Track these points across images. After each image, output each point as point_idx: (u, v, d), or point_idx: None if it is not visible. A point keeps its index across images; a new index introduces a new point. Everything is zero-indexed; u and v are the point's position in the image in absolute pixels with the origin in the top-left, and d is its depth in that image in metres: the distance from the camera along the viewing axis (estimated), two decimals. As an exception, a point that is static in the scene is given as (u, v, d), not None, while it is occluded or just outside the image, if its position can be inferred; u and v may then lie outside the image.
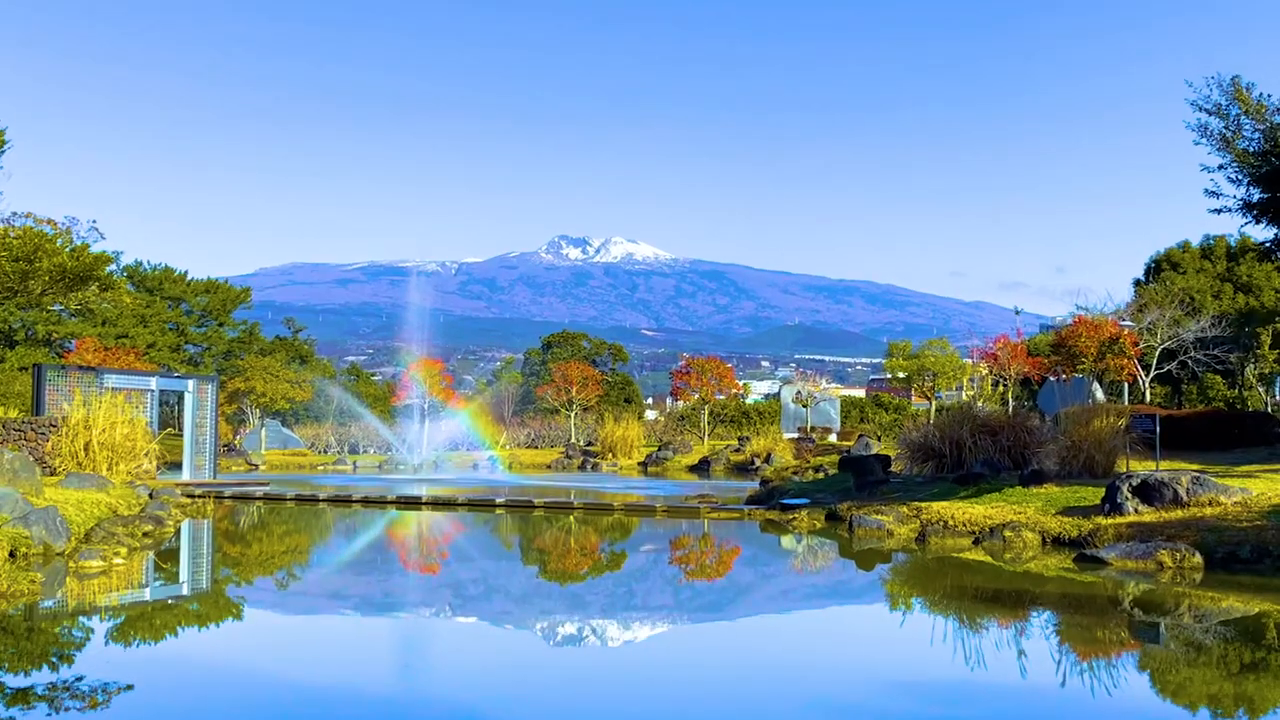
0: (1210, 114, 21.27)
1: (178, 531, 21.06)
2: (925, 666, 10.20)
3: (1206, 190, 21.94)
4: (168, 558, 17.45)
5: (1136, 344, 47.58)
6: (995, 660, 10.17)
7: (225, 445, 56.89)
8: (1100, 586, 14.50)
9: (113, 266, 51.62)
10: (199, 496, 28.32)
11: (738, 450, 51.14)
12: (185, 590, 14.19)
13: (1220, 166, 21.69)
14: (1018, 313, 63.29)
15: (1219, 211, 22.02)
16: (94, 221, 32.55)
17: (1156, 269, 67.47)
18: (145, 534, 19.32)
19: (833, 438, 56.50)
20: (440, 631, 12.02)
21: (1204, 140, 21.41)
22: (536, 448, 63.36)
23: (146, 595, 13.56)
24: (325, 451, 64.70)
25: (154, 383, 33.90)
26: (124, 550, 16.52)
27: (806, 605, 14.24)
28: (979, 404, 38.58)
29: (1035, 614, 12.98)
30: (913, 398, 75.34)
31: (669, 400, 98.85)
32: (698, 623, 12.82)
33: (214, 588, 14.70)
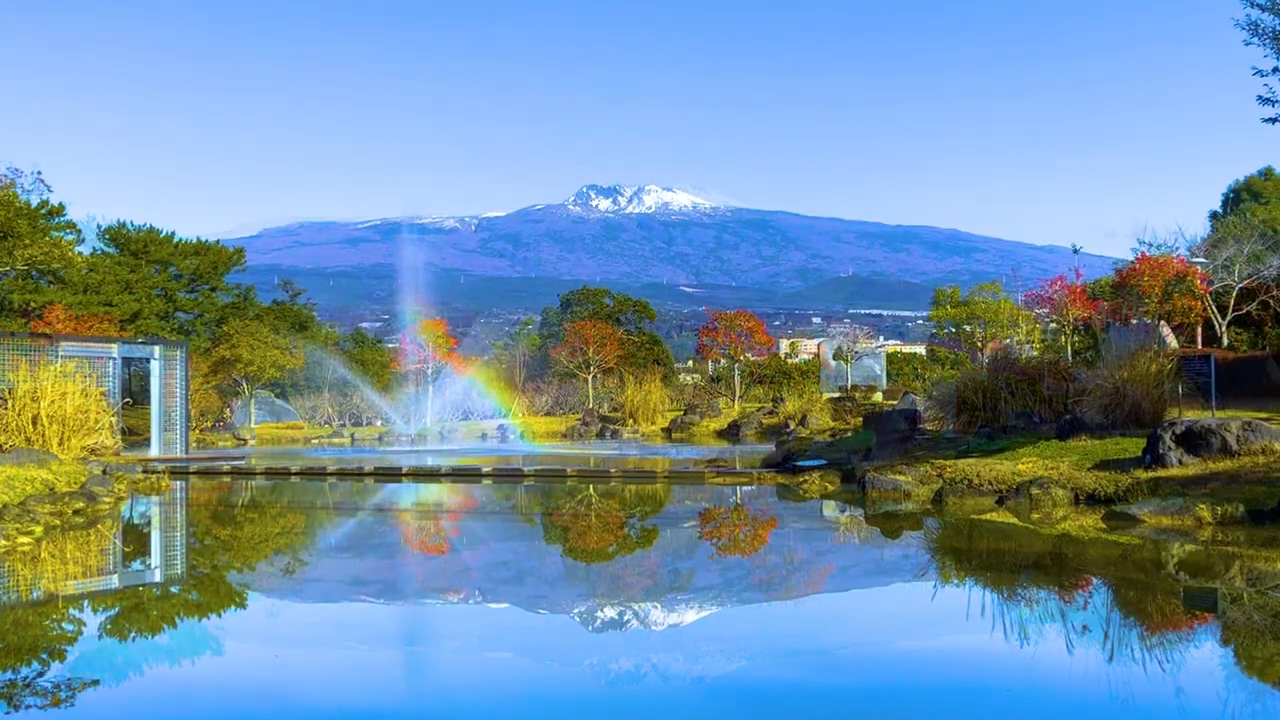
0: (1263, 9, 20.52)
1: (116, 510, 20.67)
2: (870, 641, 9.76)
3: (1260, 98, 21.16)
4: (88, 539, 17.03)
5: (1209, 283, 46.63)
6: (972, 632, 9.69)
7: (216, 419, 56.80)
8: (1122, 547, 13.98)
9: (63, 218, 51.40)
10: (158, 472, 27.97)
11: (771, 413, 50.60)
12: (93, 579, 13.74)
13: (1275, 69, 20.91)
14: (1076, 251, 62.31)
15: (1274, 120, 21.21)
16: (39, 172, 32.43)
17: (1235, 199, 66.21)
18: (76, 511, 19.00)
19: (878, 396, 55.82)
20: (380, 615, 11.61)
21: (1255, 40, 20.67)
22: (554, 414, 62.92)
23: (41, 583, 13.11)
24: (325, 424, 64.44)
25: (116, 350, 33.54)
26: (39, 529, 16.19)
27: (790, 580, 13.73)
28: (1024, 351, 37.87)
29: (1039, 579, 12.45)
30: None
31: (709, 363, 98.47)
32: (653, 599, 12.32)
33: (130, 575, 14.22)
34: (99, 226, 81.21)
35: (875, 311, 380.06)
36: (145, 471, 27.26)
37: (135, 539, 17.81)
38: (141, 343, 37.53)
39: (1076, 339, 53.87)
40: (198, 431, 48.04)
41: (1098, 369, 24.48)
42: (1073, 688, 8.02)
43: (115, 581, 13.32)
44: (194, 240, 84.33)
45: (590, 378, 62.75)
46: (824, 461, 24.19)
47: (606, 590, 12.57)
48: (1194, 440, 17.88)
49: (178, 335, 74.70)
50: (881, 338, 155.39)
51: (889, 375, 65.06)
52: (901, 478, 20.06)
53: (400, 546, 16.72)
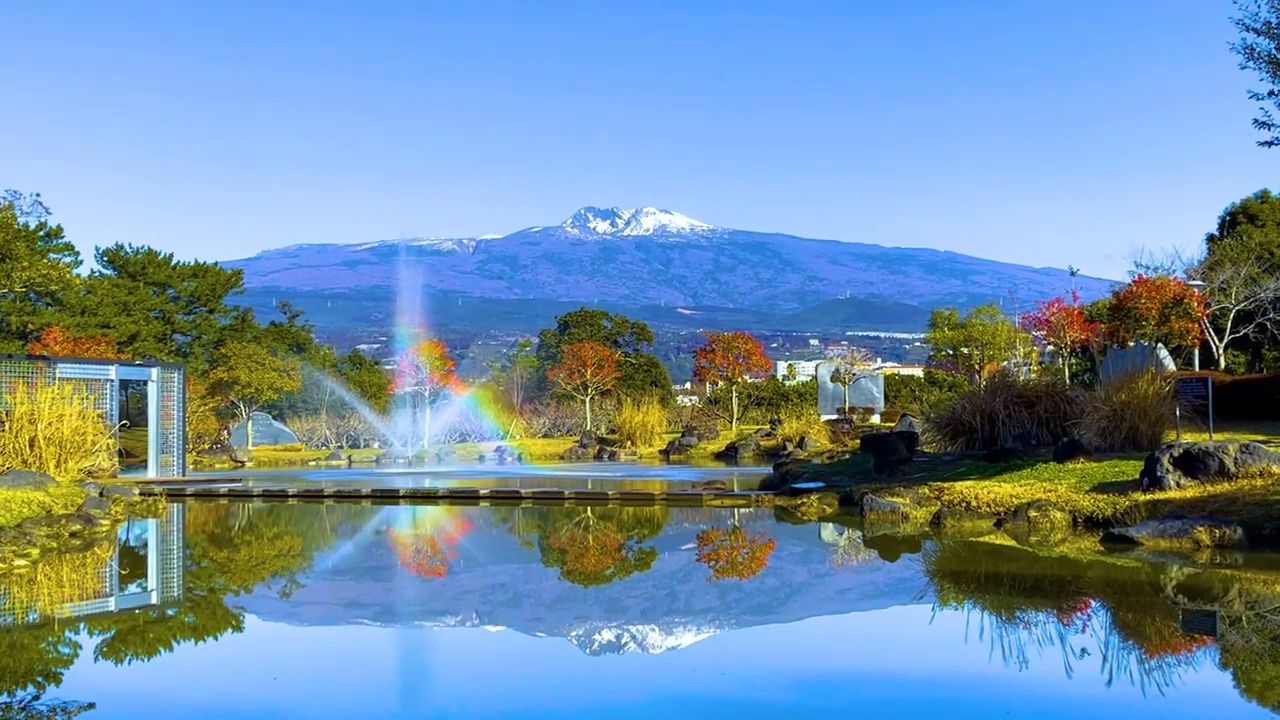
0: (1258, 33, 20.49)
1: (113, 532, 20.62)
2: (868, 664, 9.72)
3: (1256, 121, 21.12)
4: (85, 561, 16.97)
5: (1206, 305, 46.68)
6: (970, 655, 9.66)
7: (214, 442, 56.79)
8: (1120, 569, 13.95)
9: (61, 240, 51.23)
10: (156, 495, 27.87)
11: (768, 435, 50.41)
12: (90, 602, 13.70)
13: (1271, 93, 20.88)
14: (1073, 274, 62.34)
15: (1270, 144, 21.20)
16: (37, 194, 32.37)
17: (1232, 222, 66.17)
18: (73, 534, 19.00)
19: (875, 418, 55.71)
20: (377, 637, 11.56)
21: (1251, 64, 20.66)
22: (552, 437, 62.79)
23: (37, 606, 13.06)
24: (322, 446, 64.38)
25: (113, 371, 33.44)
26: (35, 552, 16.15)
27: (789, 603, 13.69)
28: (1021, 373, 37.85)
29: (1037, 602, 12.42)
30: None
31: (707, 385, 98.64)
32: (650, 621, 12.28)
33: (126, 598, 14.16)
34: (97, 248, 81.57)
35: (873, 333, 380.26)
36: (142, 494, 27.16)
37: (132, 562, 17.73)
38: (139, 364, 37.49)
39: (1074, 361, 53.89)
40: (195, 454, 48.01)
41: (1095, 391, 24.48)
42: (1071, 711, 8.00)
43: (111, 604, 13.28)
44: (192, 263, 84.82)
45: (588, 400, 62.70)
46: (822, 484, 24.13)
47: (604, 613, 12.52)
48: (1192, 463, 17.86)
49: (175, 357, 74.90)
50: (879, 359, 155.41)
51: (886, 397, 64.87)
52: (899, 500, 20.03)
53: (397, 569, 16.67)
